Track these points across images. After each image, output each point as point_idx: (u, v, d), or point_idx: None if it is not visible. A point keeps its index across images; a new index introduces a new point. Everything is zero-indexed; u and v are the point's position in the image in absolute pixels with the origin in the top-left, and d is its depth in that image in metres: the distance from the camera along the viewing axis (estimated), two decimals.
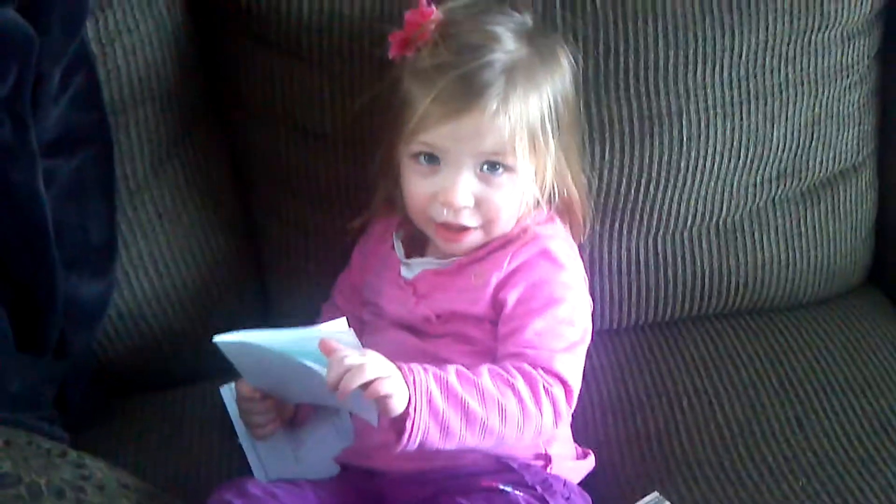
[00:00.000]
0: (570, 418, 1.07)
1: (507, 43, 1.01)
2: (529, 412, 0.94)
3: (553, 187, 1.05)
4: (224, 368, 1.14)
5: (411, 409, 0.90)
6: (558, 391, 0.96)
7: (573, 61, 1.08)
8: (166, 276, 1.19)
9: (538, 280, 1.02)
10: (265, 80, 1.20)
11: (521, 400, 0.94)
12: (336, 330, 0.95)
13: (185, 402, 1.21)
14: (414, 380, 0.91)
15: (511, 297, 1.01)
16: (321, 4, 1.14)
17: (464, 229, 1.03)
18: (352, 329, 0.95)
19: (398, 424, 0.90)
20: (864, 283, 1.36)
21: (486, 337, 1.03)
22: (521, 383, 0.95)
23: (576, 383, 0.99)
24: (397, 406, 0.90)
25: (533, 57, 1.02)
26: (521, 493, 0.97)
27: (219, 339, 0.97)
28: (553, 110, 1.03)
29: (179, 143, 1.20)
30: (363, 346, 1.03)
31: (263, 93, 1.21)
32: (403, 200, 1.08)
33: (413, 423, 0.90)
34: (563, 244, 1.06)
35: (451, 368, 0.94)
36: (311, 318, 1.19)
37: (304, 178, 1.23)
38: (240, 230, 1.27)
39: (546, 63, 1.03)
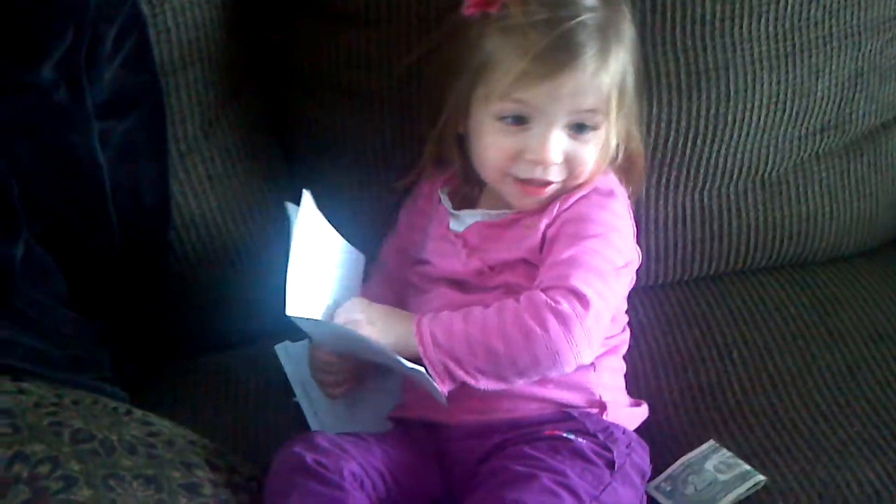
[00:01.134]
0: (626, 365, 1.09)
1: (588, 0, 1.01)
2: (533, 331, 0.95)
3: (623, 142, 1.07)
4: (277, 329, 1.15)
5: (421, 353, 0.97)
6: (566, 305, 0.96)
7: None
8: (217, 237, 1.19)
9: (576, 217, 1.03)
10: (310, 41, 1.20)
11: (518, 318, 0.96)
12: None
13: (239, 363, 1.21)
14: (419, 329, 0.98)
15: (549, 235, 1.03)
16: None
17: (547, 184, 1.04)
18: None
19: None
20: None
21: None
22: (522, 306, 0.97)
23: (597, 299, 0.97)
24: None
25: (613, 14, 1.02)
26: (585, 441, 0.98)
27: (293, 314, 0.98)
28: (633, 66, 1.04)
29: (227, 106, 1.20)
30: (412, 308, 1.06)
31: (308, 54, 1.21)
32: (466, 159, 1.08)
33: (430, 365, 0.97)
34: (608, 187, 1.07)
35: (464, 308, 0.99)
36: None
37: (348, 140, 1.23)
38: (288, 193, 1.27)
39: (623, 20, 1.03)
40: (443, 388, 0.97)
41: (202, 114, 1.17)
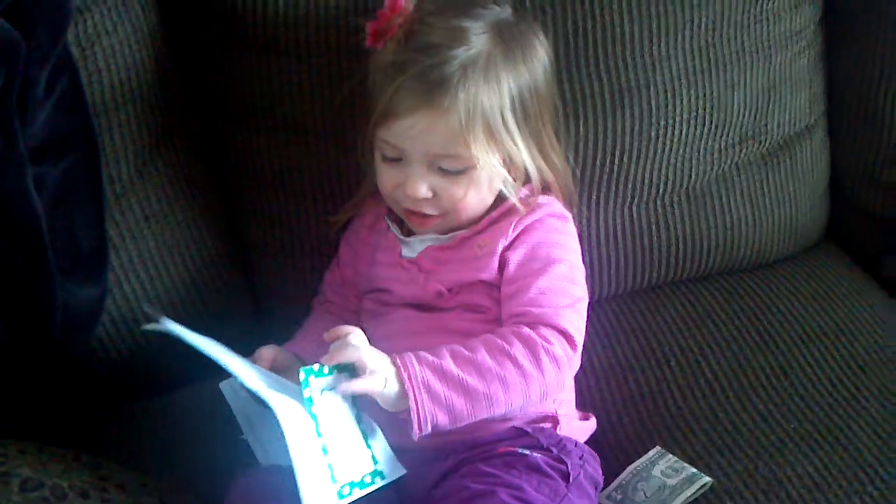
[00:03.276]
0: (574, 381, 1.11)
1: (472, 39, 1.02)
2: (531, 376, 0.98)
3: (526, 171, 1.08)
4: (220, 366, 1.14)
5: (412, 403, 0.94)
6: (559, 348, 0.99)
7: (549, 50, 1.11)
8: (157, 278, 1.19)
9: (538, 242, 1.06)
10: (242, 76, 1.21)
11: (519, 367, 0.97)
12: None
13: (185, 403, 1.21)
14: (409, 374, 0.94)
15: (513, 259, 1.05)
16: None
17: (426, 216, 1.07)
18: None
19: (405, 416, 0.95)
20: (823, 239, 1.43)
21: (496, 304, 1.06)
22: (518, 350, 0.98)
23: (579, 336, 1.02)
24: (395, 402, 0.94)
25: (495, 51, 1.03)
26: (540, 455, 1.00)
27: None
28: (517, 101, 1.04)
29: (162, 145, 1.20)
30: (370, 331, 1.07)
31: (241, 90, 1.22)
32: None
33: (418, 415, 0.94)
34: (560, 211, 1.10)
35: (446, 351, 0.97)
36: (299, 314, 1.21)
37: (285, 173, 1.24)
38: (226, 229, 1.27)
39: (511, 56, 1.04)
40: (417, 434, 0.96)
41: (136, 154, 1.17)
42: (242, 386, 0.96)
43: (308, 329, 1.17)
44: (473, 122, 1.01)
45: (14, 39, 0.98)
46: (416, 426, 0.95)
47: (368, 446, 0.98)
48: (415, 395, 0.94)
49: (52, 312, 1.06)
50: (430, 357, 0.96)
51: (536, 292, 1.02)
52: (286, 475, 0.96)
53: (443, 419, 0.95)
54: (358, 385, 0.93)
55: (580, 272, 1.08)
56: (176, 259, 1.21)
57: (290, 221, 1.26)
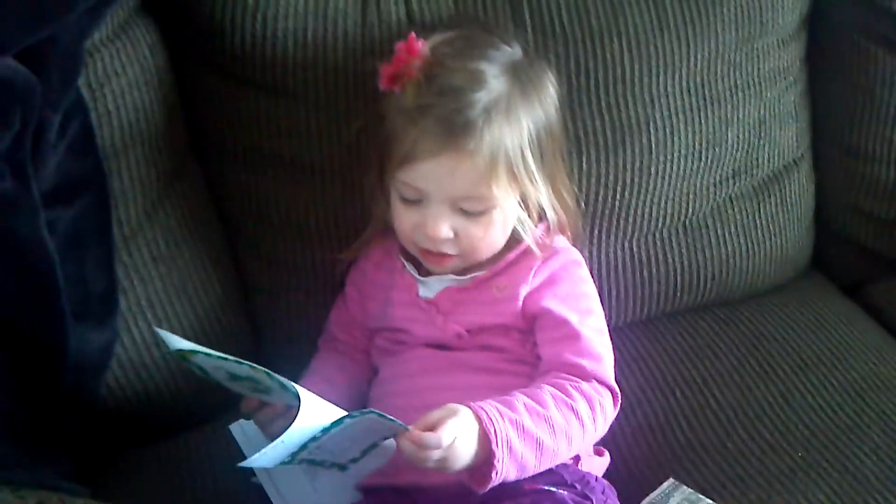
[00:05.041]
0: None
1: (490, 81, 1.03)
2: (589, 431, 1.01)
3: (541, 210, 1.10)
4: (229, 407, 1.14)
5: (496, 462, 0.93)
6: (608, 402, 1.03)
7: (558, 89, 1.12)
8: (164, 320, 1.17)
9: (575, 292, 1.09)
10: (249, 118, 1.21)
11: (582, 423, 1.00)
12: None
13: (195, 446, 1.19)
14: (495, 431, 0.93)
15: (551, 306, 1.06)
16: (304, 40, 1.16)
17: (444, 255, 1.08)
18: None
19: (476, 470, 0.94)
20: (810, 269, 1.47)
21: (515, 345, 1.07)
22: (582, 406, 1.00)
23: (616, 389, 1.06)
24: (469, 460, 0.93)
25: (514, 92, 1.04)
26: (566, 492, 1.00)
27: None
28: (535, 141, 1.06)
29: (170, 186, 1.19)
30: (387, 369, 1.06)
31: (248, 131, 1.21)
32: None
33: (496, 473, 0.94)
34: (577, 257, 1.12)
35: (521, 405, 0.97)
36: (303, 355, 1.20)
37: (291, 213, 1.24)
38: (231, 270, 1.26)
39: (527, 96, 1.06)
40: (479, 489, 0.95)
41: (144, 195, 1.16)
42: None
43: (316, 369, 1.16)
44: (497, 164, 1.02)
45: (31, 82, 0.97)
46: (488, 484, 0.94)
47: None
48: (500, 456, 0.93)
49: (63, 359, 1.04)
50: (510, 412, 0.95)
51: (586, 344, 1.04)
52: None
53: (512, 475, 0.96)
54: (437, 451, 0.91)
55: (603, 315, 1.11)
56: (183, 301, 1.19)
57: (295, 261, 1.25)
